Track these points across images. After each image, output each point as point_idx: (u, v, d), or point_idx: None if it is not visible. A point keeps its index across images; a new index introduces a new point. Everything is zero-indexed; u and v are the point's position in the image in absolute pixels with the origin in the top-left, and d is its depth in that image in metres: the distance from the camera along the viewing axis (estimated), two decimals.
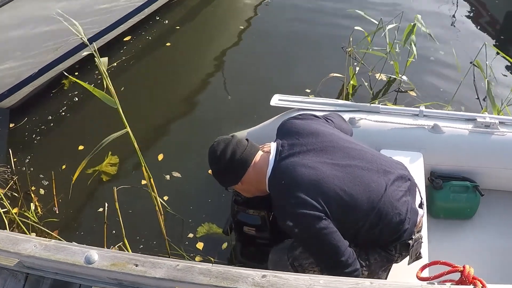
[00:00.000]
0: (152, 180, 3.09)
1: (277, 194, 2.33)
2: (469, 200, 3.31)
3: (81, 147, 4.13)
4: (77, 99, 4.58)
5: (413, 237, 2.42)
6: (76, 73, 4.85)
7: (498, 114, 3.93)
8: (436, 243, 2.96)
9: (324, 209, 2.19)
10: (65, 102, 4.58)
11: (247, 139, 2.49)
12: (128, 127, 2.74)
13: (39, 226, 3.53)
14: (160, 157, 4.05)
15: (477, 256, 3.17)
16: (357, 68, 4.62)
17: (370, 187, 2.29)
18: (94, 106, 4.36)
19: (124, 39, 5.31)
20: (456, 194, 3.29)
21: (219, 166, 2.42)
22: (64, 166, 3.94)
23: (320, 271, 2.44)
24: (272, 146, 2.43)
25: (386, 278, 2.54)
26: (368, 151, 2.48)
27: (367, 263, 2.43)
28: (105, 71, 2.57)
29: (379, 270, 2.48)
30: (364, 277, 2.43)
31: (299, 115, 2.66)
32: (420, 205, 2.52)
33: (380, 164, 2.41)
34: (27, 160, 4.07)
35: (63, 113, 4.47)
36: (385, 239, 2.39)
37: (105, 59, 2.58)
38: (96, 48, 2.56)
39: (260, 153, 2.46)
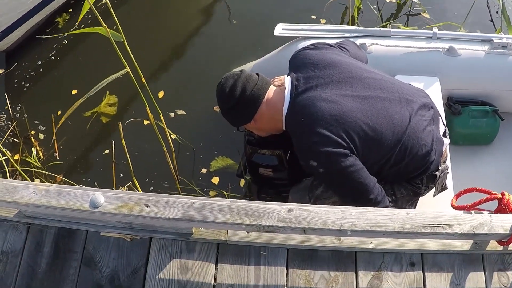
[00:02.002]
0: (162, 116, 2.93)
1: (297, 133, 2.16)
2: (489, 125, 3.20)
3: (74, 91, 3.91)
4: (66, 41, 4.33)
5: (439, 168, 2.31)
6: (70, 10, 4.57)
7: None
8: (457, 170, 2.84)
9: (349, 145, 2.05)
10: (54, 46, 4.32)
11: (257, 74, 2.31)
12: (127, 66, 2.53)
13: (42, 171, 3.41)
14: (161, 94, 3.86)
15: (500, 182, 3.11)
16: None
17: (394, 119, 2.14)
18: (86, 47, 4.17)
19: None
20: (475, 120, 3.17)
21: (229, 104, 2.24)
22: (59, 112, 3.75)
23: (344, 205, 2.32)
24: (287, 81, 2.25)
25: None
26: (388, 79, 2.31)
27: (394, 198, 2.32)
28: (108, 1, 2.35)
29: (406, 204, 2.38)
30: None
31: (312, 44, 2.46)
32: (444, 134, 2.39)
33: (402, 93, 2.25)
34: (19, 107, 3.88)
35: (53, 57, 4.23)
36: (412, 172, 2.26)
37: None
38: None
39: (272, 87, 2.29)
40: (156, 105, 2.81)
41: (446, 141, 2.37)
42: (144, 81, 2.69)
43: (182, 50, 4.31)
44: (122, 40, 2.47)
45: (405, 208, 2.36)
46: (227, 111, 2.29)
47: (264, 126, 2.33)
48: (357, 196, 2.15)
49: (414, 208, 2.44)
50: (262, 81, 2.26)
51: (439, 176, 2.34)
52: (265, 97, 2.22)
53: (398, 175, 2.27)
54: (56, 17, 4.50)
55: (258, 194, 2.82)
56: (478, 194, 1.98)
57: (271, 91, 2.26)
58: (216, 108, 3.68)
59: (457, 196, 2.04)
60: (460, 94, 3.22)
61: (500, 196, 1.88)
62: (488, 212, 1.88)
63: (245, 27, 4.41)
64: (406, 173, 2.26)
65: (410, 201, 2.38)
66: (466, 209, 1.92)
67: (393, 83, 2.30)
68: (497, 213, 1.86)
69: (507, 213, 1.83)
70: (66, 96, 3.87)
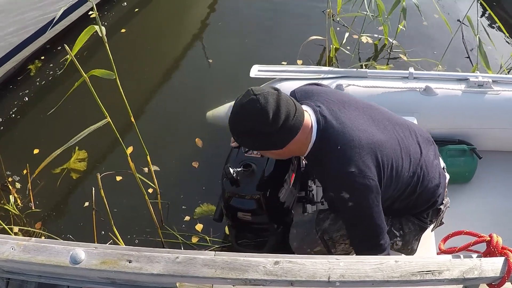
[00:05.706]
0: (150, 162, 2.87)
1: (330, 161, 1.98)
2: (467, 164, 3.22)
3: (36, 151, 3.79)
4: (27, 98, 4.21)
5: (444, 202, 2.31)
6: (42, 57, 4.53)
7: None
8: None
9: (380, 177, 1.97)
10: (15, 103, 4.21)
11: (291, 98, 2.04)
12: (108, 116, 2.41)
13: (21, 217, 3.35)
14: (130, 150, 3.62)
15: (479, 220, 3.09)
16: (346, 34, 4.40)
17: (410, 151, 2.12)
18: (47, 105, 3.91)
19: (91, 16, 4.91)
20: (453, 159, 3.17)
21: (268, 129, 1.90)
22: (25, 171, 3.62)
23: (350, 243, 2.26)
24: (305, 107, 2.06)
25: (417, 248, 2.41)
26: (392, 113, 2.27)
27: (401, 233, 2.30)
28: (105, 38, 2.28)
29: (413, 239, 2.35)
30: (398, 248, 2.33)
31: (308, 84, 2.37)
32: (443, 169, 2.39)
33: (409, 126, 2.24)
34: None
35: (13, 115, 4.11)
36: (421, 206, 2.25)
37: (103, 28, 2.24)
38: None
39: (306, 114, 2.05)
40: (145, 149, 2.77)
41: (448, 175, 2.39)
42: (133, 120, 2.65)
43: (152, 106, 4.23)
44: (114, 77, 2.37)
45: (412, 242, 2.34)
46: (258, 135, 1.96)
47: (289, 152, 2.10)
48: (369, 237, 2.07)
49: (418, 242, 2.40)
50: (299, 107, 2.00)
51: (443, 210, 2.35)
52: (303, 125, 1.99)
53: (408, 208, 2.25)
54: (28, 64, 4.44)
55: (237, 238, 2.76)
56: (466, 236, 1.95)
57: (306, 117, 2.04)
58: (195, 164, 3.63)
59: (445, 239, 2.00)
60: (437, 134, 3.20)
61: (489, 238, 1.85)
62: (477, 254, 1.85)
63: (220, 68, 4.41)
64: (416, 207, 2.25)
65: (416, 236, 2.35)
66: (455, 252, 1.88)
67: (398, 117, 2.28)
68: (486, 256, 1.83)
69: (496, 256, 1.80)
70: (28, 156, 3.75)
